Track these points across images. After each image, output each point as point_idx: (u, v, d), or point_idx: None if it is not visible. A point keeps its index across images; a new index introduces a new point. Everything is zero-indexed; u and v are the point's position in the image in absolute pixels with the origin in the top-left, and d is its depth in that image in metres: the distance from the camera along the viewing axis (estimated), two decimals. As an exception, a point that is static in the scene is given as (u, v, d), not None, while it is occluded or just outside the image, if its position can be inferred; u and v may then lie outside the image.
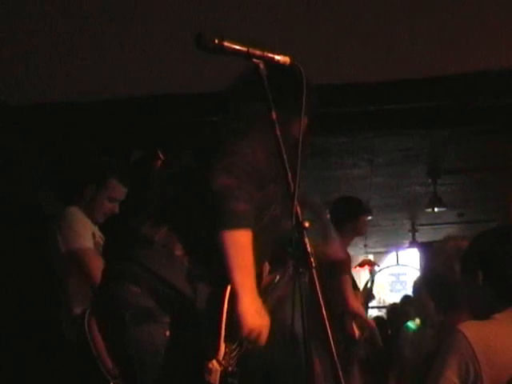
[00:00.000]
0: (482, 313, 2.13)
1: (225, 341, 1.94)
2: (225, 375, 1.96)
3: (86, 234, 3.51)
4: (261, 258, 2.05)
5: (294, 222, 1.82)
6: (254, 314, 1.96)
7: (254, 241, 1.97)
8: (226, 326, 1.94)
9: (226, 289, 1.95)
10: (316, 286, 1.76)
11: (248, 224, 1.91)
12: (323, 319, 1.73)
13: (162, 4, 3.92)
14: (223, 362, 1.95)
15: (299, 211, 1.83)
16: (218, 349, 1.93)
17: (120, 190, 3.64)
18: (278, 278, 2.23)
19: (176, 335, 1.97)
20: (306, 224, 1.82)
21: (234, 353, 2.02)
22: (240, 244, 1.91)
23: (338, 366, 1.69)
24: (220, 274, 1.94)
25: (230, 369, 1.98)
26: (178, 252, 1.99)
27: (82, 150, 4.29)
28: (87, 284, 3.42)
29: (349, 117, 4.75)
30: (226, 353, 1.96)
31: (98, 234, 3.62)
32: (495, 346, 2.00)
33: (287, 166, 1.84)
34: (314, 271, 1.78)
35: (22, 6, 3.96)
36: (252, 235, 1.93)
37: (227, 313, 1.94)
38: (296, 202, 1.81)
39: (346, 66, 4.13)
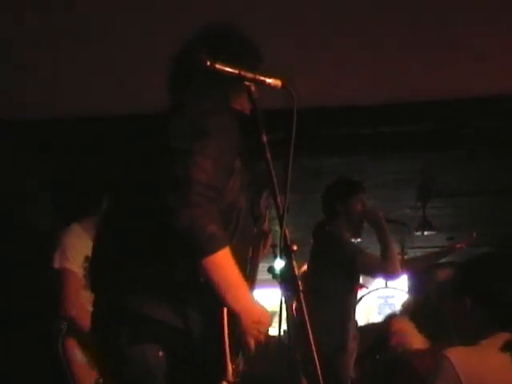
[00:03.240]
0: (469, 339, 2.14)
1: (231, 360, 1.94)
2: None
3: (73, 257, 3.50)
4: (241, 257, 2.04)
5: (282, 245, 1.83)
6: (256, 328, 1.97)
7: (232, 244, 1.96)
8: (229, 344, 1.94)
9: (223, 310, 1.93)
10: (303, 309, 1.77)
11: (222, 243, 1.88)
12: (309, 341, 1.73)
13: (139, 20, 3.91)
14: (232, 380, 1.96)
15: (287, 234, 1.84)
16: (226, 370, 1.93)
17: None
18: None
19: (174, 367, 1.97)
20: (294, 247, 1.83)
21: (240, 365, 2.04)
22: (222, 265, 1.89)
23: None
24: (208, 297, 1.92)
25: (237, 380, 2.01)
26: (161, 286, 1.95)
27: (86, 165, 4.29)
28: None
29: (341, 139, 4.78)
30: (233, 370, 1.97)
31: None
32: (480, 372, 2.01)
33: (276, 188, 1.85)
34: (301, 294, 1.79)
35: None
36: (229, 249, 1.91)
37: (228, 333, 1.93)
38: (284, 226, 1.82)
39: (339, 89, 4.15)
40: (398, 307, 6.22)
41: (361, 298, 7.62)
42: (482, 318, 2.15)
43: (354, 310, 4.00)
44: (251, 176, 2.12)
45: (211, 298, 1.91)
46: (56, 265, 3.50)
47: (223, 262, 1.88)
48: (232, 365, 1.95)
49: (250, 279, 2.13)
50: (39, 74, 4.01)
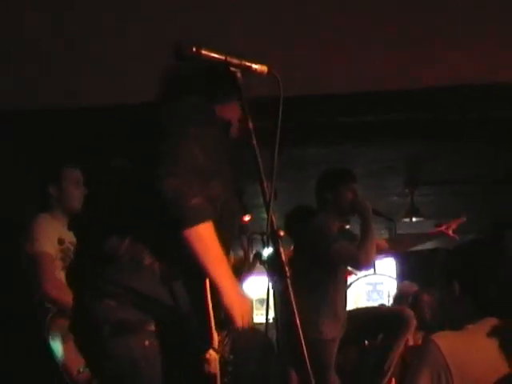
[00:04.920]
0: (457, 324, 2.15)
1: (216, 329, 1.96)
2: (223, 363, 2.01)
3: (44, 240, 3.50)
4: (224, 248, 2.05)
5: (269, 231, 1.84)
6: (239, 301, 1.99)
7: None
8: (213, 315, 1.96)
9: (206, 281, 1.94)
10: (290, 295, 1.78)
11: (206, 215, 1.92)
12: (296, 327, 1.74)
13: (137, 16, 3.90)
14: (219, 350, 1.98)
15: (274, 220, 1.85)
16: (211, 338, 1.95)
17: (75, 173, 3.69)
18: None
19: (164, 340, 1.97)
20: (281, 233, 1.83)
21: (226, 340, 2.06)
22: (205, 237, 1.92)
23: (310, 374, 1.70)
24: (193, 268, 1.94)
25: (226, 356, 2.03)
26: (146, 261, 1.97)
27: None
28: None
29: (327, 128, 4.78)
30: (219, 341, 1.99)
31: (69, 239, 3.61)
32: (467, 357, 2.02)
33: (262, 173, 1.85)
34: (288, 280, 1.79)
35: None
36: (213, 225, 1.94)
37: (212, 303, 1.95)
38: (271, 211, 1.82)
39: (324, 78, 4.15)
40: (386, 294, 6.24)
41: (350, 285, 7.66)
42: (469, 303, 2.16)
43: (341, 297, 3.99)
44: (236, 175, 2.14)
45: (195, 272, 1.93)
46: (29, 249, 3.50)
47: (205, 235, 1.91)
48: (218, 335, 1.97)
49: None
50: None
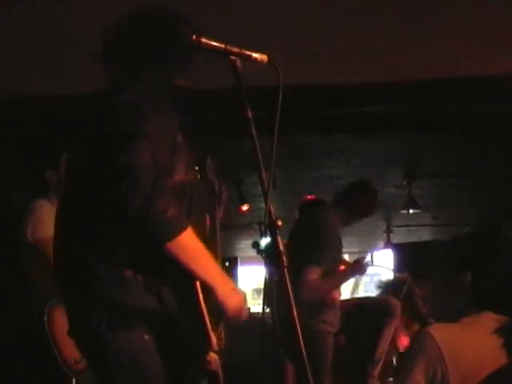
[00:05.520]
0: (453, 316, 2.15)
1: (212, 330, 1.95)
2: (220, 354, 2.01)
3: (44, 226, 3.49)
4: (201, 229, 2.01)
5: (267, 221, 1.83)
6: (232, 297, 1.97)
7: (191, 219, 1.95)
8: (208, 315, 1.94)
9: (195, 283, 1.92)
10: (287, 285, 1.77)
11: (183, 224, 1.87)
12: (293, 317, 1.73)
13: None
14: (217, 349, 1.98)
15: (272, 210, 1.84)
16: (210, 340, 1.93)
17: None
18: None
19: (160, 344, 1.95)
20: (279, 223, 1.83)
21: (221, 333, 2.05)
22: (187, 244, 1.88)
23: (307, 366, 1.70)
24: (179, 273, 1.91)
25: (221, 347, 2.02)
26: (129, 273, 1.91)
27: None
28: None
29: (326, 118, 4.76)
30: (217, 339, 1.98)
31: None
32: (462, 349, 2.02)
33: (261, 163, 1.85)
34: (285, 270, 1.79)
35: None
36: (191, 228, 1.90)
37: (205, 305, 1.93)
38: (269, 201, 1.82)
39: (324, 68, 4.13)
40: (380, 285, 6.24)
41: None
42: (474, 295, 2.15)
43: (338, 290, 4.00)
44: (194, 148, 2.10)
45: (182, 275, 1.90)
46: (30, 238, 3.49)
47: (187, 243, 1.88)
48: (215, 335, 1.96)
49: (213, 246, 2.12)
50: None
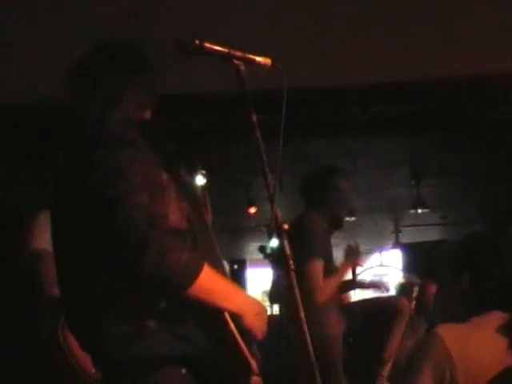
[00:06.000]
0: (461, 317, 2.15)
1: (251, 356, 1.93)
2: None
3: (46, 237, 3.46)
4: (211, 254, 1.99)
5: (273, 225, 1.83)
6: (259, 319, 1.95)
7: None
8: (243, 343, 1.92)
9: (225, 315, 1.88)
10: (294, 288, 1.78)
11: (199, 264, 1.82)
12: (300, 321, 1.74)
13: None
14: (258, 371, 1.96)
15: (279, 214, 1.84)
16: (250, 365, 1.91)
17: None
18: None
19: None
20: (285, 226, 1.83)
21: (256, 354, 2.02)
22: (207, 285, 1.83)
23: (315, 366, 1.70)
24: (202, 309, 1.89)
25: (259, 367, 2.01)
26: (151, 324, 1.86)
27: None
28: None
29: (332, 119, 4.77)
30: (256, 361, 1.96)
31: None
32: (470, 349, 2.02)
33: (266, 167, 1.85)
34: (292, 274, 1.79)
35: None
36: (207, 263, 1.85)
37: (238, 332, 1.90)
38: (275, 205, 1.82)
39: (330, 70, 4.13)
40: (392, 285, 6.24)
41: (356, 277, 7.66)
42: (473, 295, 2.16)
43: (335, 295, 3.98)
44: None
45: (207, 311, 1.87)
46: (31, 247, 3.46)
47: (207, 282, 1.83)
48: (252, 358, 1.94)
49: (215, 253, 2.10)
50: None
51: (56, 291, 3.32)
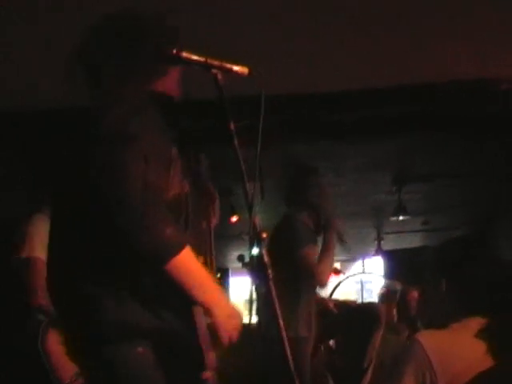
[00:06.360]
0: (442, 322, 2.16)
1: (210, 349, 1.93)
2: (219, 375, 1.99)
3: (39, 244, 3.45)
4: (198, 241, 2.01)
5: (251, 233, 1.83)
6: (229, 322, 1.95)
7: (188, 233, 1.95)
8: (206, 336, 1.92)
9: (194, 306, 1.90)
10: (273, 297, 1.78)
11: (181, 243, 1.84)
12: (279, 329, 1.74)
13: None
14: (215, 367, 1.96)
15: (257, 222, 1.84)
16: (206, 359, 1.91)
17: None
18: None
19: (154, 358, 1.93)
20: (264, 235, 1.83)
21: (220, 353, 2.03)
22: (186, 265, 1.86)
23: (294, 373, 1.70)
24: (177, 291, 1.90)
25: (220, 368, 2.00)
26: (125, 294, 1.89)
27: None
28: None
29: (313, 125, 4.78)
30: (214, 358, 1.96)
31: None
32: (451, 356, 2.03)
33: (245, 175, 1.85)
34: (270, 282, 1.79)
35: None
36: (189, 247, 1.87)
37: (202, 325, 1.91)
38: (254, 213, 1.82)
39: (310, 75, 4.14)
40: (375, 292, 6.28)
41: (339, 284, 7.68)
42: (454, 301, 2.17)
43: (313, 295, 3.98)
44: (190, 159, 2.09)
45: (181, 295, 1.89)
46: (23, 254, 3.45)
47: (186, 262, 1.85)
48: (211, 354, 1.94)
49: (209, 257, 2.11)
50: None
51: (44, 302, 3.33)
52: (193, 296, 1.88)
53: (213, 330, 1.93)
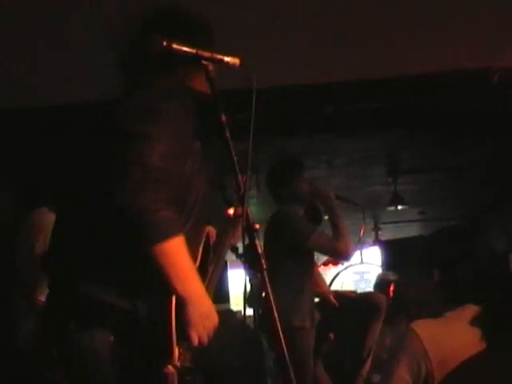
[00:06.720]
0: (435, 312, 2.17)
1: (177, 344, 1.91)
2: (182, 372, 1.94)
3: (43, 239, 3.46)
4: (195, 242, 2.01)
5: (244, 225, 1.83)
6: (201, 321, 1.92)
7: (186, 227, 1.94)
8: (176, 329, 1.90)
9: (171, 297, 1.89)
10: (267, 288, 1.78)
11: (176, 230, 1.84)
12: (274, 320, 1.74)
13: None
14: (178, 364, 1.92)
15: (249, 213, 1.84)
16: (171, 353, 1.90)
17: None
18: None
19: (121, 347, 1.93)
20: (257, 226, 1.83)
21: (187, 350, 2.00)
22: (174, 253, 1.84)
23: (289, 366, 1.70)
24: (158, 281, 1.90)
25: (185, 365, 1.97)
26: (106, 273, 1.90)
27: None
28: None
29: (306, 118, 4.77)
30: (179, 354, 1.94)
31: None
32: (446, 344, 2.04)
33: (237, 168, 1.84)
34: (265, 273, 1.79)
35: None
36: (183, 237, 1.87)
37: (176, 317, 1.90)
38: (246, 205, 1.82)
39: (303, 68, 4.14)
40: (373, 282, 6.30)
41: (337, 274, 7.69)
42: (446, 290, 2.17)
43: (312, 285, 3.99)
44: (213, 157, 2.10)
45: (161, 285, 1.88)
46: (41, 250, 3.45)
47: (175, 250, 1.84)
48: (179, 349, 1.92)
49: (214, 266, 2.10)
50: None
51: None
52: (173, 287, 1.86)
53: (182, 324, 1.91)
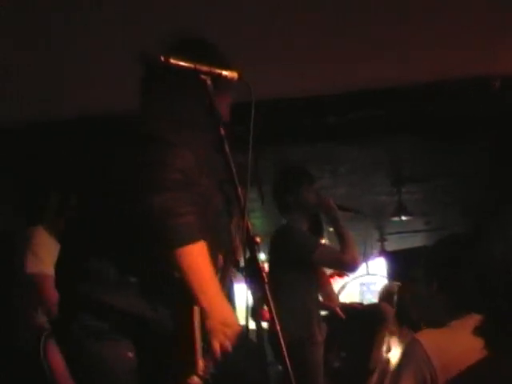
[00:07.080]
0: (437, 322, 2.16)
1: (202, 355, 1.91)
2: (207, 383, 1.96)
3: (48, 260, 3.45)
4: (213, 253, 2.00)
5: (245, 238, 1.83)
6: (222, 328, 1.93)
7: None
8: (200, 340, 1.91)
9: (195, 307, 1.90)
10: (269, 301, 1.77)
11: (198, 234, 1.86)
12: (276, 333, 1.74)
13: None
14: (202, 374, 1.93)
15: (250, 226, 1.84)
16: (196, 364, 1.89)
17: None
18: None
19: (142, 358, 1.93)
20: (258, 239, 1.82)
21: (210, 361, 2.00)
22: (195, 257, 1.86)
23: (292, 379, 1.69)
24: (179, 291, 1.90)
25: (207, 376, 1.97)
26: (133, 279, 1.91)
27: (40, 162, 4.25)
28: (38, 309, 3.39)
29: (310, 127, 4.77)
30: (205, 366, 1.94)
31: None
32: (451, 354, 2.03)
33: (236, 180, 1.85)
34: (266, 286, 1.78)
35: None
36: (204, 243, 1.89)
37: (200, 328, 1.90)
38: (247, 218, 1.82)
39: (306, 79, 4.15)
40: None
41: (344, 286, 7.66)
42: (446, 299, 2.17)
43: (316, 300, 3.97)
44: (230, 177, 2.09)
45: (183, 293, 1.88)
46: (31, 270, 3.44)
47: (198, 255, 1.86)
48: (203, 360, 1.92)
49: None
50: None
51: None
52: (194, 293, 1.87)
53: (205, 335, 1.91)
